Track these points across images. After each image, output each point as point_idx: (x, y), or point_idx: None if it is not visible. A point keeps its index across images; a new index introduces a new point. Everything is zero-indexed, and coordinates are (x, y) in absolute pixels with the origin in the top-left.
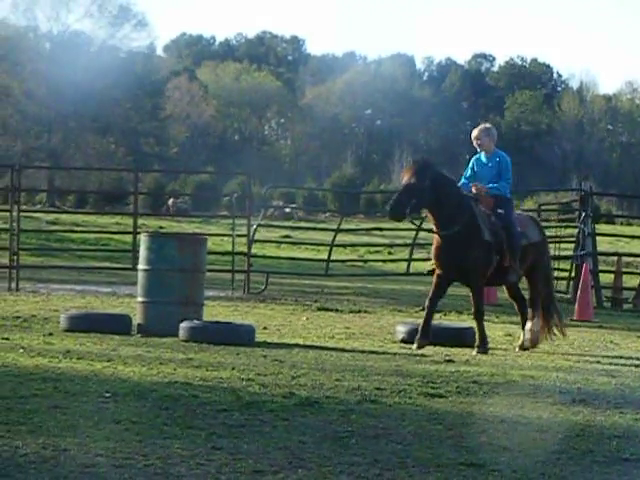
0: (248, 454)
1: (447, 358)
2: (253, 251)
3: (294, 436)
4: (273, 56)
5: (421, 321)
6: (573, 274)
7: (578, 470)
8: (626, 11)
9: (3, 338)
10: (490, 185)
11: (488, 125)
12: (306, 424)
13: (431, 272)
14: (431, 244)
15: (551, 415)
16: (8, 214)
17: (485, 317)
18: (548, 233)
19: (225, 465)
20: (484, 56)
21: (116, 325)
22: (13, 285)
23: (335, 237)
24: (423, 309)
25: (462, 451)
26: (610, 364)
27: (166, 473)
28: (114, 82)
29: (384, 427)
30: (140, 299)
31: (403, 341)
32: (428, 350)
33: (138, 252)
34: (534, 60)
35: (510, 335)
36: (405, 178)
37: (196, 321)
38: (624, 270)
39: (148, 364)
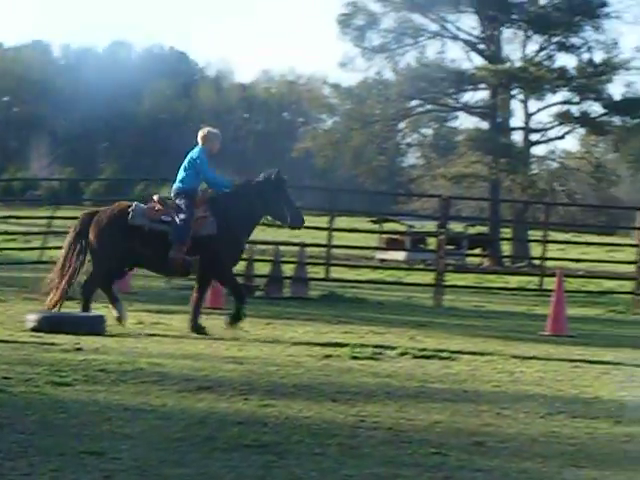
0: None
1: (77, 346)
2: None
3: None
4: None
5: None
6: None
7: (198, 457)
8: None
9: None
10: None
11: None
12: None
13: None
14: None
15: (175, 402)
16: None
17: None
18: None
19: None
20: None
21: None
22: None
23: None
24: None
25: (84, 439)
26: (239, 350)
27: None
28: None
29: (8, 416)
30: None
31: (34, 330)
32: (59, 339)
33: None
34: (171, 48)
35: (142, 323)
36: None
37: None
38: (257, 258)
39: None
